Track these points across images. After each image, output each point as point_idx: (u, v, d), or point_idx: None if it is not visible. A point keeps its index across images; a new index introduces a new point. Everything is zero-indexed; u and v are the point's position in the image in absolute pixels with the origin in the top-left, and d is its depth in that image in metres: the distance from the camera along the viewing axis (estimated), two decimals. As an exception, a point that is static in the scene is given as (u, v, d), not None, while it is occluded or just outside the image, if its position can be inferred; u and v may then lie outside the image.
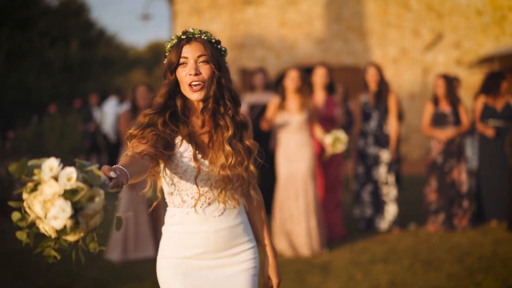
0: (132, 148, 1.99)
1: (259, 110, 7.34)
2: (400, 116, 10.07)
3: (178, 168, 2.08)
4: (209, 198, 2.11)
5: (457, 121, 6.65)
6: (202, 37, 2.12)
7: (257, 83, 7.44)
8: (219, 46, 2.16)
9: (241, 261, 2.17)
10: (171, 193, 2.14)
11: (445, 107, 6.69)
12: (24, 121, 10.90)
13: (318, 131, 5.82)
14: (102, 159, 10.88)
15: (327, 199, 6.25)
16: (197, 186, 2.08)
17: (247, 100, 7.54)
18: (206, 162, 2.09)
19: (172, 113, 2.11)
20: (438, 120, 6.70)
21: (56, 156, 5.97)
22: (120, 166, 1.72)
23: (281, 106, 5.78)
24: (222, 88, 2.12)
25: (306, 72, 6.44)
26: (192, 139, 2.09)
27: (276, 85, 8.91)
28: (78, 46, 24.33)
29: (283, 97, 5.80)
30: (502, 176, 6.64)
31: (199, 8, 14.88)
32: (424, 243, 5.99)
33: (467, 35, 14.64)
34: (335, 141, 5.62)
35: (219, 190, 2.10)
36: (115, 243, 5.65)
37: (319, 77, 6.35)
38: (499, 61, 12.53)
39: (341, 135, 5.67)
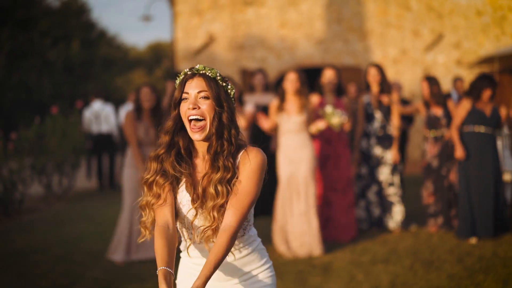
0: (154, 213, 2.14)
1: (259, 111, 7.36)
2: (411, 119, 10.07)
3: (177, 211, 2.15)
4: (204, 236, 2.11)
5: (450, 123, 6.65)
6: (207, 73, 2.12)
7: (257, 83, 7.46)
8: (224, 84, 2.15)
9: (254, 282, 2.19)
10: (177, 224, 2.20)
11: (437, 110, 6.71)
12: (25, 122, 10.91)
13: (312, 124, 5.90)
14: (104, 160, 10.89)
15: (338, 201, 6.28)
16: (193, 230, 2.13)
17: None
18: (199, 210, 2.11)
19: (178, 152, 2.16)
20: (432, 123, 6.72)
21: (58, 157, 6.12)
22: (168, 270, 1.95)
23: (281, 108, 5.80)
24: (222, 126, 2.11)
25: (307, 73, 6.46)
26: (191, 184, 2.13)
27: (276, 87, 8.93)
28: (79, 46, 24.37)
29: (282, 99, 5.82)
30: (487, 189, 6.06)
31: (199, 9, 14.90)
32: (425, 243, 6.01)
33: (467, 35, 14.65)
34: (332, 115, 5.75)
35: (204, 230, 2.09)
36: (118, 244, 5.67)
37: (327, 78, 6.36)
38: (499, 61, 12.54)
39: (339, 112, 5.85)
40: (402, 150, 10.04)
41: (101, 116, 10.61)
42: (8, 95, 21.81)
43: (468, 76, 14.61)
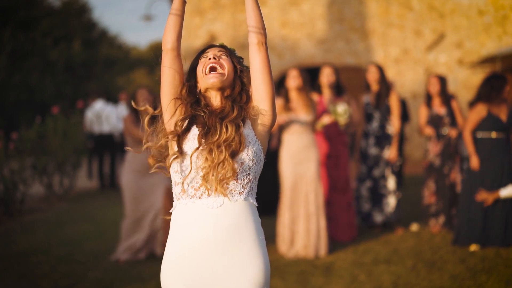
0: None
1: None
2: (407, 117, 10.07)
3: (185, 148, 2.15)
4: (210, 189, 2.10)
5: (453, 122, 6.64)
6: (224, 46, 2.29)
7: None
8: (240, 59, 2.31)
9: (244, 275, 2.10)
10: (176, 183, 2.17)
11: (440, 108, 6.69)
12: (27, 122, 10.90)
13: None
14: (105, 161, 10.89)
15: (338, 200, 6.27)
16: (190, 162, 2.10)
17: None
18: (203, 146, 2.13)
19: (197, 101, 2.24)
20: (434, 122, 6.70)
21: (60, 157, 6.11)
22: None
23: (287, 108, 5.74)
24: (237, 81, 2.24)
25: (308, 72, 6.44)
26: (201, 121, 2.17)
27: (277, 88, 8.91)
28: (81, 46, 24.36)
29: (286, 99, 5.78)
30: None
31: (201, 8, 14.89)
32: (427, 243, 6.00)
33: (469, 35, 14.61)
34: (341, 115, 5.82)
35: (214, 174, 2.09)
36: (123, 248, 5.68)
37: (325, 76, 6.35)
38: (501, 61, 12.50)
39: (344, 108, 5.95)
40: (400, 149, 10.02)
41: (102, 116, 10.61)
42: (10, 95, 21.80)
43: (470, 76, 14.59)
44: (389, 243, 6.07)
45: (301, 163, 5.69)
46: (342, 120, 5.88)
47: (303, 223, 5.64)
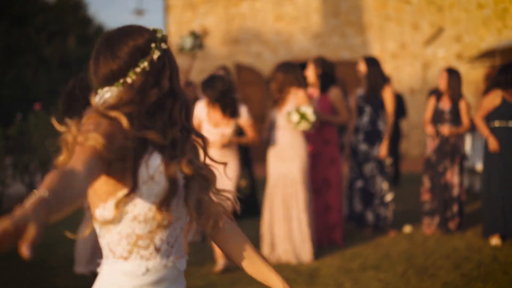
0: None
1: None
2: (403, 112, 9.72)
3: None
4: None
5: (454, 120, 6.26)
6: None
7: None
8: None
9: None
10: None
11: (445, 104, 6.33)
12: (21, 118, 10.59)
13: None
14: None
15: (314, 202, 5.80)
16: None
17: None
18: None
19: None
20: (435, 116, 6.36)
21: (41, 154, 5.61)
22: None
23: (275, 103, 5.41)
24: None
25: (303, 67, 6.04)
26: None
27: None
28: (76, 42, 24.05)
29: (274, 95, 5.45)
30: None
31: (193, 2, 14.54)
32: (420, 247, 5.64)
33: (468, 28, 14.33)
34: (301, 117, 5.20)
35: None
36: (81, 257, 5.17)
37: (309, 71, 6.03)
38: (501, 55, 12.17)
39: (308, 110, 5.20)
40: (395, 145, 9.69)
41: None
42: (4, 92, 21.51)
43: (469, 71, 14.29)
44: (380, 246, 5.72)
45: (284, 162, 5.32)
46: (300, 127, 5.27)
47: (283, 226, 5.26)
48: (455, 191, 6.17)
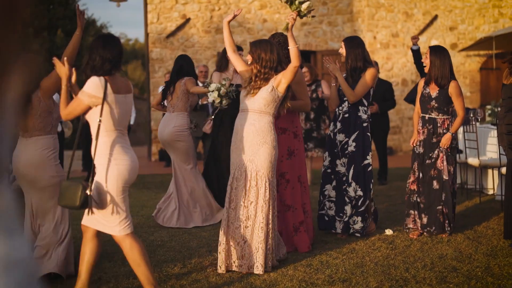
0: None
1: None
2: (393, 103, 8.95)
3: None
4: None
5: (440, 107, 5.44)
6: None
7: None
8: None
9: None
10: None
11: (432, 89, 5.51)
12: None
13: None
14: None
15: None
16: None
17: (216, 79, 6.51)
18: None
19: None
20: (422, 101, 5.56)
21: None
22: None
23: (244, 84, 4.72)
24: None
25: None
26: None
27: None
28: (64, 36, 23.31)
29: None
30: None
31: (173, -12, 13.74)
32: (400, 255, 4.83)
33: (463, 17, 13.63)
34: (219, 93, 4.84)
35: None
36: None
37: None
38: (497, 45, 11.45)
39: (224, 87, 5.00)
40: (384, 138, 8.90)
41: None
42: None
43: (464, 60, 13.63)
44: (354, 253, 4.90)
45: (248, 153, 4.48)
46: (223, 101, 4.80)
47: (236, 227, 4.43)
48: (446, 184, 5.37)
